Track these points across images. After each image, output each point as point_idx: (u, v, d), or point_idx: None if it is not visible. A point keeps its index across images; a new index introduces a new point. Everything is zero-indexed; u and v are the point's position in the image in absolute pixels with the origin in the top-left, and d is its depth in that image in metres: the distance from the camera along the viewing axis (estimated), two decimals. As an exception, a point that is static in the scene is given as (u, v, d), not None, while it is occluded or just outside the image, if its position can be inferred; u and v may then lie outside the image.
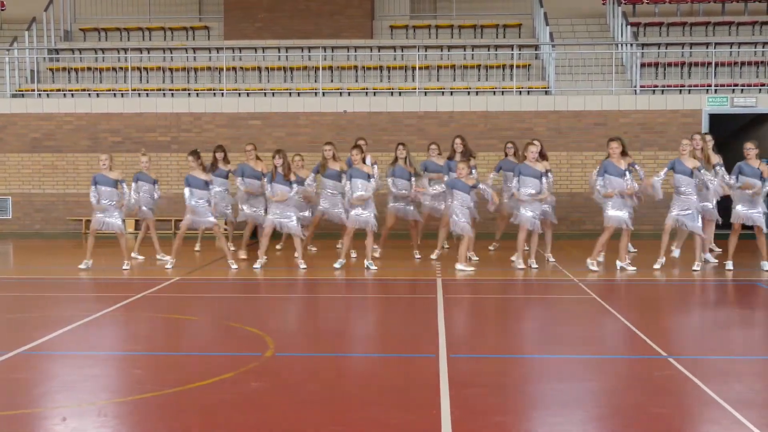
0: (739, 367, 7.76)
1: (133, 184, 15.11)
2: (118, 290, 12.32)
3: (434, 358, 7.76)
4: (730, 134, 22.69)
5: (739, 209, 13.40)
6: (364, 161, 14.06)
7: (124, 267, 13.96)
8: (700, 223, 13.53)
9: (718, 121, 20.59)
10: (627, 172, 13.37)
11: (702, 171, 13.40)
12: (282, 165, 13.84)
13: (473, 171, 13.98)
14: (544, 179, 13.61)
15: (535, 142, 14.28)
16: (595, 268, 13.39)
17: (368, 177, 13.78)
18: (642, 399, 6.63)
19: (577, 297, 11.44)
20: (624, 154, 13.60)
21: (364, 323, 10.26)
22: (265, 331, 9.11)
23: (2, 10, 25.27)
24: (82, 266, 13.88)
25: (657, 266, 13.65)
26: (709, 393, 6.69)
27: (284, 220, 13.97)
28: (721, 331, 9.70)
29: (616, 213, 13.40)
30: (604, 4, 24.37)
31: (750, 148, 13.28)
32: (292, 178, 13.96)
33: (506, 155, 15.77)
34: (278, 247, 16.64)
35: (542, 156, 14.27)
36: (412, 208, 15.07)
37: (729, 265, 13.40)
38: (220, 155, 16.02)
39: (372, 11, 24.29)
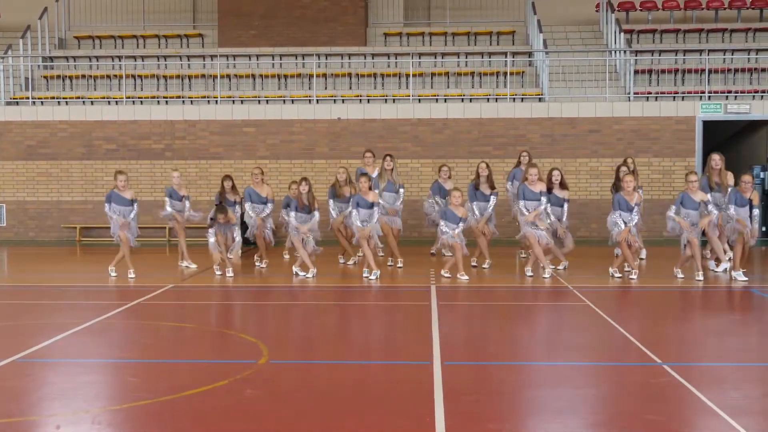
0: (735, 374, 7.76)
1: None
2: (112, 298, 12.31)
3: (428, 366, 7.76)
4: (723, 141, 22.78)
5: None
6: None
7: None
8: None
9: (711, 128, 20.66)
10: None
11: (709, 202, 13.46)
12: (307, 193, 13.94)
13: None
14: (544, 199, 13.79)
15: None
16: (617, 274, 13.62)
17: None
18: (637, 406, 6.63)
19: (571, 304, 11.45)
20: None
21: (359, 330, 10.25)
22: (260, 339, 9.11)
23: (-4, 17, 25.25)
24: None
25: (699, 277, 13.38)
26: (704, 400, 6.70)
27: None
28: (716, 338, 9.70)
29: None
30: (597, 11, 24.43)
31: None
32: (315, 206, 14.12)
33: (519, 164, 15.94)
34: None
35: (562, 185, 14.28)
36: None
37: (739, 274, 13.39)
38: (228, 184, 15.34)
39: (366, 19, 24.32)
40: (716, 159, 14.23)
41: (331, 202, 15.28)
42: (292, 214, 14.03)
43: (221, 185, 15.07)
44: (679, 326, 10.51)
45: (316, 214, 14.06)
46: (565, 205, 14.14)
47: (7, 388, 7.25)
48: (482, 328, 10.26)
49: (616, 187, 14.84)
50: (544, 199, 13.71)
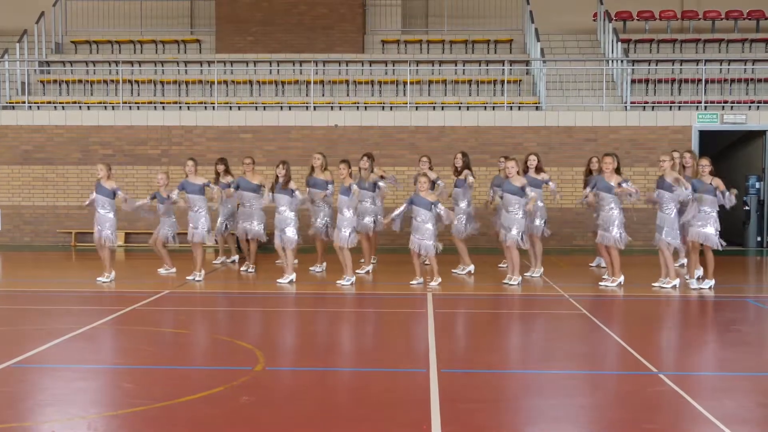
0: (730, 384, 7.78)
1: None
2: (108, 303, 12.29)
3: (425, 373, 7.75)
4: (719, 151, 22.82)
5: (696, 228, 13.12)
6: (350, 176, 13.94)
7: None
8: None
9: (707, 138, 20.70)
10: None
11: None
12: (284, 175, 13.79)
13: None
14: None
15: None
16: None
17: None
18: (633, 415, 6.64)
19: (567, 312, 11.44)
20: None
21: (355, 338, 10.25)
22: (256, 345, 9.09)
23: (-7, 22, 25.24)
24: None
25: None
26: (700, 409, 6.70)
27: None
28: (712, 347, 9.72)
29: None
30: (594, 20, 24.49)
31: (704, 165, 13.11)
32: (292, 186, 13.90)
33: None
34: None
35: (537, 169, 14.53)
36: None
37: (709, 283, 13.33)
38: (221, 168, 15.95)
39: (364, 26, 24.36)
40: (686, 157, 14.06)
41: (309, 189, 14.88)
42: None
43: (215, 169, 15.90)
44: (675, 335, 10.52)
45: (297, 194, 13.87)
46: (552, 184, 14.54)
47: (2, 393, 7.23)
48: (479, 336, 10.25)
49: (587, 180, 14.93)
50: (531, 192, 13.45)
